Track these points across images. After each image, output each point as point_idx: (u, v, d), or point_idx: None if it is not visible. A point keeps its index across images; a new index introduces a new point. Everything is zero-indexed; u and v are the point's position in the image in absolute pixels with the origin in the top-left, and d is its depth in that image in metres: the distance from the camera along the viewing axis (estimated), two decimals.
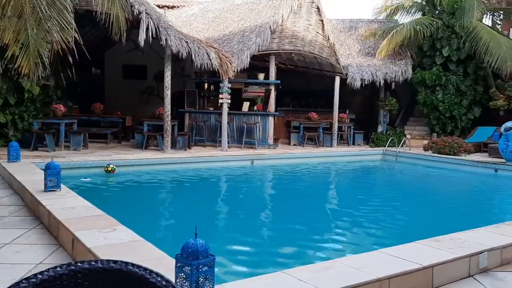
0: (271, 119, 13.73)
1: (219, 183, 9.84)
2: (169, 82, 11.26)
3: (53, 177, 5.88)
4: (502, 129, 11.19)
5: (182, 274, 2.62)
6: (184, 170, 10.24)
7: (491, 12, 17.48)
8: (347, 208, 7.66)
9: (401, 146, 14.16)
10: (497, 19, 18.42)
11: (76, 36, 4.91)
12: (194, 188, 8.83)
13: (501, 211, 7.97)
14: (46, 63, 5.74)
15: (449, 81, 15.22)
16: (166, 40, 10.56)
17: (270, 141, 13.66)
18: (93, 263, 1.55)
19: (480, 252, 3.86)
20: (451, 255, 3.73)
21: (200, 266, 2.60)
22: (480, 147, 13.96)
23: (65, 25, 4.61)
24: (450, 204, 8.36)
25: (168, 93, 11.31)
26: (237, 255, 4.93)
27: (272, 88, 13.89)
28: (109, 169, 8.89)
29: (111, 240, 3.90)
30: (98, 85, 15.70)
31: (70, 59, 5.24)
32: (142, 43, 10.18)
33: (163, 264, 3.24)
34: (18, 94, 10.68)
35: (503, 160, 11.02)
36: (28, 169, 7.52)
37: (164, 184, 9.37)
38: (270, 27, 13.30)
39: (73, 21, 4.70)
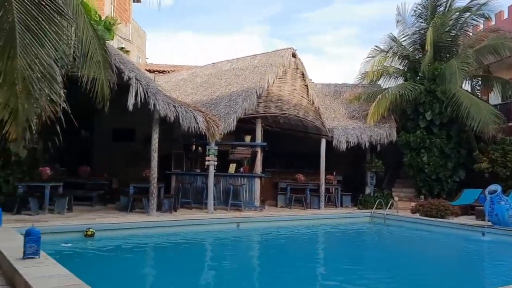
0: (257, 180, 13.78)
1: (203, 248, 9.63)
2: (156, 145, 11.38)
3: (32, 244, 5.75)
4: (486, 192, 11.33)
5: None
6: (169, 234, 10.07)
7: (470, 78, 18.29)
8: (335, 276, 7.52)
9: (389, 208, 14.18)
10: (475, 85, 19.23)
11: (65, 105, 5.05)
12: (178, 254, 8.63)
13: (491, 276, 7.89)
14: (34, 129, 5.78)
15: (433, 144, 15.58)
16: (154, 104, 10.82)
17: (257, 202, 13.61)
18: None
19: None
20: None
21: None
22: (467, 210, 14.02)
23: (54, 95, 4.75)
24: (441, 271, 8.24)
25: (155, 155, 11.39)
26: None
27: (259, 150, 14.08)
28: (89, 233, 8.80)
29: None
30: (86, 147, 15.77)
31: (58, 127, 5.36)
32: (131, 107, 10.41)
33: None
34: (4, 157, 10.66)
35: (490, 223, 11.05)
36: (9, 235, 7.35)
37: (147, 249, 9.16)
38: (256, 92, 13.75)
39: (61, 92, 4.86)
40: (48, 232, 7.89)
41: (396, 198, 15.35)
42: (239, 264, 8.32)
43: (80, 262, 7.08)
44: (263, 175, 14.27)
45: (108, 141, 15.96)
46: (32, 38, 4.29)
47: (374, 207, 14.32)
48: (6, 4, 4.02)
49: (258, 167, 13.95)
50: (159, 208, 11.78)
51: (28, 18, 4.23)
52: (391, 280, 7.10)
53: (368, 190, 16.51)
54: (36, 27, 4.33)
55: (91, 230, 8.88)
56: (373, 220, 14.02)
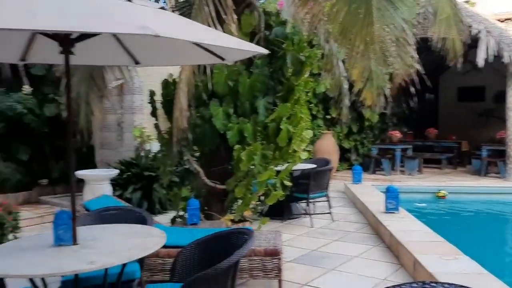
0: None
1: None
2: None
3: (392, 200, 6.27)
4: None
5: None
6: None
7: None
8: None
9: None
10: None
11: (418, 67, 5.11)
12: None
13: None
14: (386, 95, 6.10)
15: None
16: (510, 56, 9.52)
17: None
18: (446, 285, 1.64)
19: None
20: None
21: None
22: None
23: (407, 59, 4.86)
24: None
25: (510, 114, 10.10)
26: None
27: None
28: (440, 194, 8.83)
29: (452, 268, 3.82)
30: (431, 109, 15.64)
31: (412, 89, 5.52)
32: (481, 63, 9.52)
33: None
34: (359, 123, 12.01)
35: None
36: (369, 191, 8.27)
37: (507, 216, 8.34)
38: None
39: (414, 53, 4.91)
40: (402, 191, 8.36)
41: None
42: None
43: (435, 221, 7.17)
44: None
45: (453, 101, 15.27)
46: (386, 3, 4.50)
47: None
48: None
49: None
50: None
51: None
52: None
53: None
54: None
55: (443, 192, 8.88)
56: None
